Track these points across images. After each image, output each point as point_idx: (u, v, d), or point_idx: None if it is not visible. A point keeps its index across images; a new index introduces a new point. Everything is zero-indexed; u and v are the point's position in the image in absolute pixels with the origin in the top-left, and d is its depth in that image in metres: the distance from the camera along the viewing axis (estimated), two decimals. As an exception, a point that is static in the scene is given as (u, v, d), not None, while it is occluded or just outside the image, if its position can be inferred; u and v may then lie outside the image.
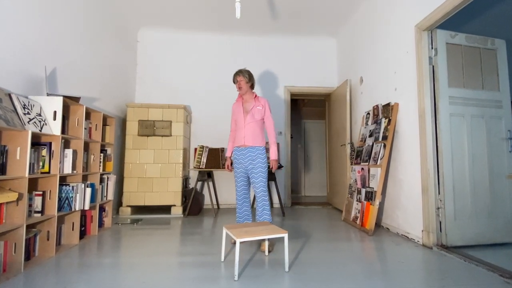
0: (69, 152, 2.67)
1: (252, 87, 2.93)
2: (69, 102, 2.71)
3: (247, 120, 2.82)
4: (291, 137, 6.89)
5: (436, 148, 2.78)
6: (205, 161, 4.30)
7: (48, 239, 2.44)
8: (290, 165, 5.18)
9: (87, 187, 2.87)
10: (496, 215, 2.79)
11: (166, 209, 4.57)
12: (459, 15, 3.85)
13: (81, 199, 2.78)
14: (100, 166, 3.25)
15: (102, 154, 3.32)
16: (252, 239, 2.09)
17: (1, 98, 2.15)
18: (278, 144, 5.05)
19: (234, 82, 2.90)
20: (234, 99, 5.17)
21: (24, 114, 2.27)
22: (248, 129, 2.81)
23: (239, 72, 2.86)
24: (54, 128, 2.50)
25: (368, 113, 3.90)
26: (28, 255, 2.29)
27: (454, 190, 2.73)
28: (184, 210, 4.34)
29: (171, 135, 4.27)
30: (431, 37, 2.85)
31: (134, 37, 4.98)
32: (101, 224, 3.41)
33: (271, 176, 4.28)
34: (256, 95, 2.93)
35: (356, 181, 3.78)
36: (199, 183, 5.09)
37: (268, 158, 4.51)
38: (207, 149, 4.35)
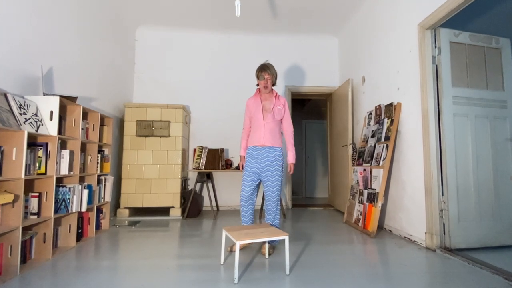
0: (66, 153, 2.64)
1: (274, 84, 2.79)
2: (66, 102, 2.67)
3: (267, 120, 2.70)
4: (292, 138, 6.85)
5: (440, 149, 2.74)
6: (204, 162, 4.26)
7: (44, 242, 2.41)
8: (290, 166, 5.14)
9: (84, 188, 2.83)
10: (501, 217, 2.76)
11: (164, 211, 4.54)
12: (463, 14, 3.82)
13: (78, 200, 2.75)
14: (97, 167, 3.21)
15: (99, 155, 3.28)
16: (252, 242, 2.04)
17: (-4, 98, 2.12)
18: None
19: (258, 78, 2.70)
20: (234, 99, 5.12)
21: (20, 114, 2.25)
22: (267, 129, 2.70)
23: (267, 69, 2.66)
24: (50, 128, 2.47)
25: (370, 113, 3.87)
26: (24, 258, 2.26)
27: (458, 192, 2.70)
28: (183, 212, 4.30)
29: (169, 136, 4.23)
30: (435, 36, 2.81)
31: (132, 36, 4.94)
32: (98, 226, 3.37)
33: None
34: (276, 94, 2.80)
35: (358, 182, 3.74)
36: (198, 184, 5.04)
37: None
38: (206, 150, 4.31)
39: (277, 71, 5.23)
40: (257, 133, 2.72)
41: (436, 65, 2.80)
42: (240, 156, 2.90)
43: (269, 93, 2.77)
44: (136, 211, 4.53)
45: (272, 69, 2.69)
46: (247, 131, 2.87)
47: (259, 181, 2.75)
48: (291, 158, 2.77)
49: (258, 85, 2.77)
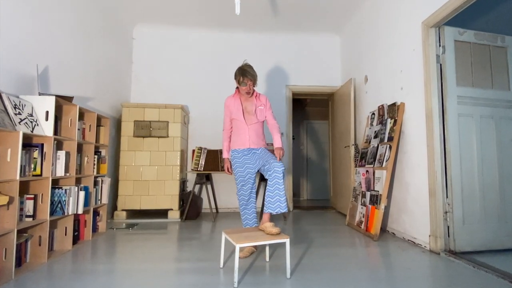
0: (61, 154, 2.61)
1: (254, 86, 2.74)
2: (62, 102, 2.64)
3: (250, 121, 2.67)
4: (293, 138, 6.81)
5: (444, 149, 2.70)
6: (203, 163, 4.21)
7: (40, 245, 2.38)
8: (291, 167, 5.09)
9: (81, 190, 2.80)
10: (507, 219, 2.72)
11: (162, 213, 4.48)
12: (467, 12, 3.78)
13: (74, 202, 2.71)
14: (94, 168, 3.18)
15: (96, 156, 3.25)
16: (252, 244, 2.01)
17: (-11, 97, 2.08)
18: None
19: (239, 83, 2.61)
20: (234, 100, 5.08)
21: (15, 114, 2.22)
22: (252, 131, 2.66)
23: (248, 74, 2.57)
24: (46, 129, 2.44)
25: (373, 113, 3.82)
26: (19, 261, 2.23)
27: (463, 194, 2.65)
28: (181, 214, 4.25)
29: (168, 136, 4.19)
30: (439, 34, 2.77)
31: (130, 34, 4.90)
32: (95, 229, 3.34)
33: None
34: (256, 93, 2.76)
35: (360, 184, 3.69)
36: (197, 186, 4.99)
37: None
38: (206, 151, 4.27)
39: (278, 70, 5.19)
40: (241, 136, 2.66)
41: (440, 64, 2.75)
42: (224, 158, 2.79)
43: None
44: (134, 213, 4.48)
45: (252, 71, 2.60)
46: (229, 132, 2.78)
47: (255, 181, 2.71)
48: (277, 142, 2.62)
49: (237, 87, 2.69)
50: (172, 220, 4.12)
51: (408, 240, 3.03)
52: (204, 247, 2.81)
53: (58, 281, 1.99)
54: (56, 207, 2.60)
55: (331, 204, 5.43)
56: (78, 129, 2.90)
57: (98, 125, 3.40)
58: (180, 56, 5.07)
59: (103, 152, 3.44)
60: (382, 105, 3.57)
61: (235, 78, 2.61)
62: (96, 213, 3.34)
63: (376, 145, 3.53)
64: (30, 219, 2.31)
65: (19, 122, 2.20)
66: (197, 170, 4.18)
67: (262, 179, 4.58)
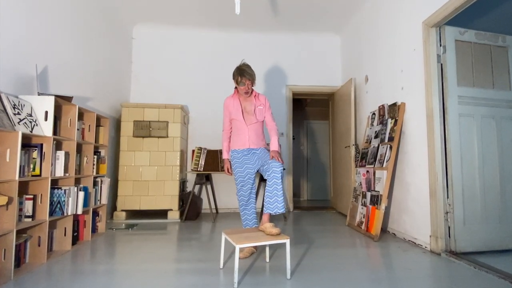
0: (61, 154, 2.60)
1: (253, 85, 2.73)
2: (61, 101, 2.63)
3: (250, 121, 2.65)
4: (293, 138, 6.79)
5: (445, 150, 2.69)
6: (203, 163, 4.20)
7: (39, 245, 2.37)
8: (291, 167, 5.08)
9: (80, 190, 2.78)
10: (508, 220, 2.70)
11: (162, 213, 4.47)
12: (468, 11, 3.77)
13: (74, 203, 2.70)
14: (93, 168, 3.16)
15: (95, 156, 3.24)
16: (252, 245, 2.00)
17: (-13, 97, 2.07)
18: (279, 145, 4.93)
19: (237, 83, 2.58)
20: (234, 100, 5.07)
21: (14, 114, 2.21)
22: (251, 131, 2.65)
23: (246, 73, 2.54)
24: (45, 129, 2.43)
25: (374, 113, 3.81)
26: (19, 262, 2.22)
27: (464, 194, 2.64)
28: (181, 215, 4.24)
29: (167, 136, 4.18)
30: (440, 34, 2.76)
31: (129, 34, 4.89)
32: (94, 229, 3.32)
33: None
34: (256, 93, 2.74)
35: (361, 184, 3.68)
36: (197, 187, 4.98)
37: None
38: (205, 151, 4.26)
39: (278, 70, 5.18)
40: (241, 136, 2.65)
41: (441, 64, 2.74)
42: (223, 159, 2.78)
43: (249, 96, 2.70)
44: (133, 213, 4.47)
45: (251, 71, 2.57)
46: (228, 133, 2.76)
47: (255, 181, 2.70)
48: (273, 145, 2.61)
49: (236, 87, 2.66)
50: (172, 220, 4.11)
51: (409, 240, 3.02)
52: (204, 248, 2.80)
53: (58, 281, 1.98)
54: (56, 207, 2.59)
55: (331, 205, 5.41)
56: (78, 129, 2.89)
57: (98, 125, 3.39)
58: (180, 56, 5.06)
59: (103, 152, 3.43)
60: (383, 105, 3.55)
61: (234, 78, 2.59)
62: (95, 213, 3.33)
63: (376, 145, 3.51)
64: (29, 219, 2.30)
65: (18, 122, 2.19)
66: (197, 171, 4.17)
67: (262, 180, 4.57)
